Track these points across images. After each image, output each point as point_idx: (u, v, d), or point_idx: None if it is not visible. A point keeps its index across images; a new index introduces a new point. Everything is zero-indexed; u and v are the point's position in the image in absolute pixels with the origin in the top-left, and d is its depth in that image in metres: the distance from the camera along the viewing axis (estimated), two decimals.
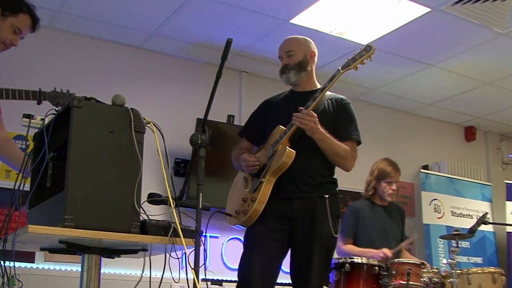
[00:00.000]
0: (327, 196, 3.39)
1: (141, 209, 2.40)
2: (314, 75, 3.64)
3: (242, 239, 3.55)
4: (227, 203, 3.60)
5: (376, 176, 4.96)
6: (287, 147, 3.30)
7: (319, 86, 3.55)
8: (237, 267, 3.44)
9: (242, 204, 3.39)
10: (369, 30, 5.57)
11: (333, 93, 3.58)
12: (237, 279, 3.40)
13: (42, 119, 2.58)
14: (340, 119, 3.47)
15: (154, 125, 2.54)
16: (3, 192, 4.90)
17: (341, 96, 3.62)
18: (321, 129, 3.29)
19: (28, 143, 3.46)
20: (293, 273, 3.36)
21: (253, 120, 3.72)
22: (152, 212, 2.53)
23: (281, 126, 3.42)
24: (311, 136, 3.31)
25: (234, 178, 3.90)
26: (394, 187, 4.94)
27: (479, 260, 7.50)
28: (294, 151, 3.30)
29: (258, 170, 3.40)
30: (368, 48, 3.46)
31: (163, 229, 2.43)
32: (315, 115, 3.28)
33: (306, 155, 3.34)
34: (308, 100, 3.37)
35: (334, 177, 3.55)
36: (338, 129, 3.42)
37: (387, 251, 4.54)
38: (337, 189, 3.54)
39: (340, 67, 3.41)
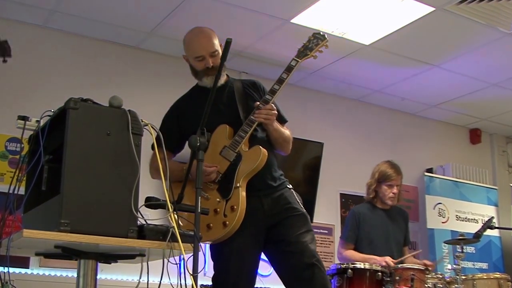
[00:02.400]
0: (291, 187, 3.46)
1: (138, 213, 2.41)
2: None
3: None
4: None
5: (376, 179, 4.96)
6: (260, 147, 3.28)
7: (226, 76, 3.53)
8: None
9: (215, 216, 3.18)
10: (372, 30, 5.58)
11: (238, 78, 3.63)
12: None
13: (38, 121, 2.58)
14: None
15: (152, 127, 2.55)
16: None
17: (253, 79, 3.64)
18: None
19: (23, 145, 3.47)
20: (294, 259, 3.26)
21: (170, 128, 3.42)
22: (150, 217, 2.53)
23: (227, 126, 3.34)
24: (268, 127, 3.35)
25: None
26: (395, 190, 4.93)
27: (484, 265, 7.50)
28: (266, 151, 3.30)
29: (222, 176, 3.25)
30: (321, 37, 3.51)
31: (161, 233, 2.44)
32: (275, 108, 3.33)
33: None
34: (229, 92, 3.43)
35: None
36: None
37: (389, 261, 4.53)
38: None
39: (296, 58, 3.43)
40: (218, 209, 3.19)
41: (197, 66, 3.41)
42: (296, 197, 3.44)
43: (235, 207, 3.17)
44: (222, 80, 3.46)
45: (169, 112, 3.56)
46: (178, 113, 3.49)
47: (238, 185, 3.22)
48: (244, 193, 3.21)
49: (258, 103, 3.31)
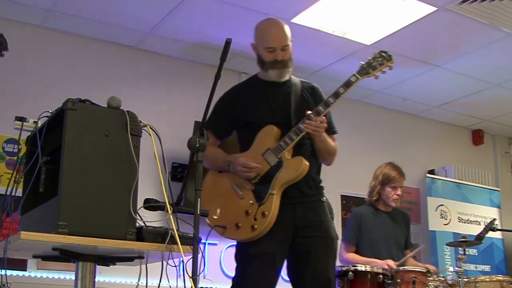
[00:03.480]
0: (325, 199, 3.46)
1: (137, 215, 2.41)
2: None
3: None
4: (212, 211, 3.28)
5: (380, 181, 4.96)
6: (303, 159, 3.28)
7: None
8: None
9: (246, 218, 3.22)
10: (373, 30, 5.58)
11: (299, 78, 3.55)
12: None
13: (35, 122, 2.59)
14: None
15: (151, 128, 2.55)
16: None
17: (312, 83, 3.61)
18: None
19: (20, 146, 3.45)
20: (304, 281, 3.31)
21: (221, 113, 3.47)
22: (149, 219, 2.53)
23: (274, 127, 3.34)
24: (314, 138, 3.32)
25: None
26: (399, 192, 4.93)
27: (487, 268, 7.50)
28: (308, 163, 3.29)
29: (259, 179, 3.28)
30: (387, 57, 3.46)
31: (160, 235, 2.44)
32: (325, 120, 3.29)
33: (306, 159, 3.33)
34: (286, 92, 3.41)
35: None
36: None
37: (391, 263, 4.52)
38: None
39: (357, 74, 3.38)
40: (250, 211, 3.23)
41: (265, 57, 3.40)
42: (328, 210, 3.44)
43: (266, 213, 3.19)
44: (287, 76, 3.46)
45: (222, 98, 3.54)
46: (231, 101, 3.48)
47: (273, 192, 3.23)
48: (278, 202, 3.23)
49: (310, 112, 3.27)
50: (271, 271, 3.28)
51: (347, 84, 3.34)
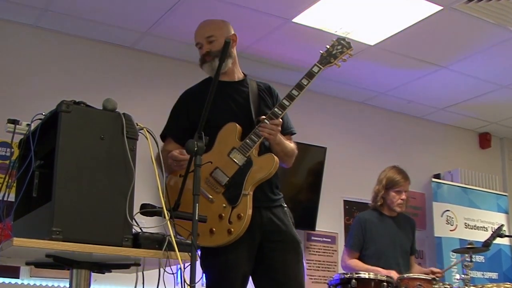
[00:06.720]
0: (285, 206, 3.46)
1: (133, 221, 2.41)
2: (237, 61, 3.58)
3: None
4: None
5: (384, 185, 4.97)
6: (273, 156, 3.27)
7: (243, 74, 3.58)
8: None
9: (220, 222, 3.16)
10: (377, 29, 5.58)
11: (254, 77, 3.58)
12: None
13: (28, 125, 2.59)
14: None
15: (147, 131, 2.55)
16: None
17: (268, 84, 3.63)
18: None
19: (13, 150, 3.46)
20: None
21: (178, 117, 3.50)
22: (145, 224, 2.53)
23: (237, 125, 3.31)
24: (269, 141, 3.32)
25: None
26: (403, 196, 4.94)
27: (494, 275, 7.49)
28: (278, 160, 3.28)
29: (229, 181, 3.22)
30: (346, 44, 3.51)
31: (157, 242, 2.44)
32: (281, 123, 3.29)
33: None
34: (243, 91, 3.45)
35: None
36: None
37: (394, 275, 4.50)
38: None
39: (318, 64, 3.40)
40: (223, 215, 3.18)
41: (199, 54, 3.50)
42: (289, 217, 3.44)
43: (242, 215, 3.16)
44: (239, 74, 3.53)
45: (180, 100, 3.58)
46: (189, 104, 3.49)
47: (246, 192, 3.20)
48: (251, 202, 3.20)
49: (264, 117, 3.27)
50: (241, 279, 3.27)
51: (310, 75, 3.35)
